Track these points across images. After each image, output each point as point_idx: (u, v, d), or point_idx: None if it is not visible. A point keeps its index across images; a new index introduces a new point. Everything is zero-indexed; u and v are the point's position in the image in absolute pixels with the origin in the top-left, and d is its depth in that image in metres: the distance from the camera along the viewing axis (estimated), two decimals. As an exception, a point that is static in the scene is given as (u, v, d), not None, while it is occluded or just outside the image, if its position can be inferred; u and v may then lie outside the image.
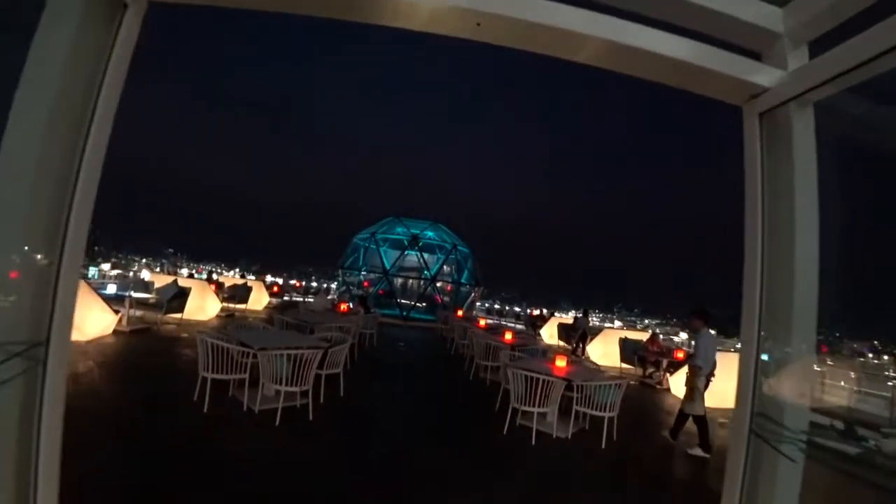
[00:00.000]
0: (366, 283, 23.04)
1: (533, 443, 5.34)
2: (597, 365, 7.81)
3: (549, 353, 8.67)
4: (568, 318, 22.31)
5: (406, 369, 9.45)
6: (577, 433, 5.78)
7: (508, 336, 9.12)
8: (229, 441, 4.47)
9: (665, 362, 10.80)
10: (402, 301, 21.07)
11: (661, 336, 12.53)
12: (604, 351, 13.29)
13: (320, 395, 5.84)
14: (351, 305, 12.60)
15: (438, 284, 22.57)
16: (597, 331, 15.77)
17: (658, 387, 10.39)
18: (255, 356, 5.09)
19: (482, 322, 12.24)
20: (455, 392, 7.93)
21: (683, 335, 26.82)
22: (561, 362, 6.26)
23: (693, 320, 6.18)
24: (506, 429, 5.61)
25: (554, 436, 5.61)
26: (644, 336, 12.95)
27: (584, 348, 14.56)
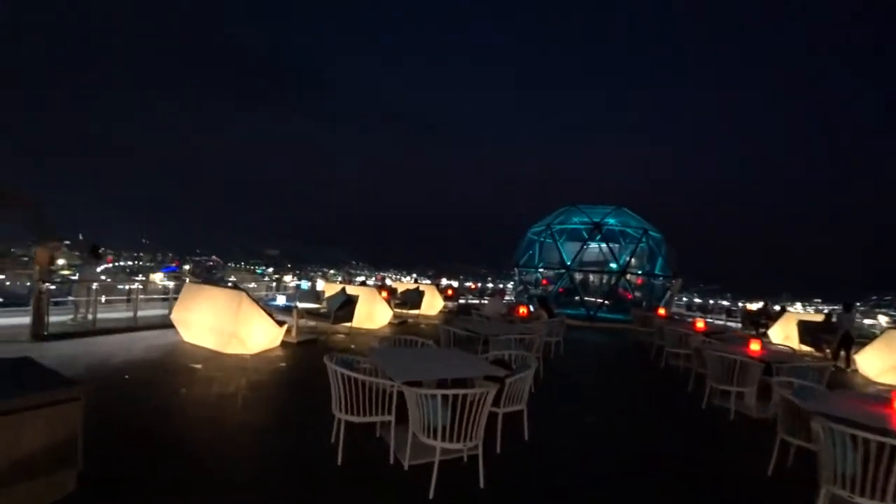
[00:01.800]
0: (544, 282, 21.06)
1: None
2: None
3: (825, 372, 5.75)
4: (801, 312, 17.63)
5: (608, 392, 7.27)
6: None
7: (755, 346, 6.39)
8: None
9: None
10: (587, 299, 18.61)
11: None
12: (893, 363, 9.33)
13: (496, 441, 4.11)
14: (531, 308, 10.77)
15: (628, 278, 19.58)
16: (862, 333, 11.55)
17: None
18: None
19: (699, 324, 9.41)
20: (688, 435, 5.51)
21: None
22: (908, 404, 3.57)
23: None
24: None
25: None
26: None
27: (848, 358, 10.64)
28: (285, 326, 8.08)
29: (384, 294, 12.32)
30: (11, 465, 2.38)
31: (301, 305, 9.15)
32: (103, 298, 9.54)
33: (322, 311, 9.60)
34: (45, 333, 7.82)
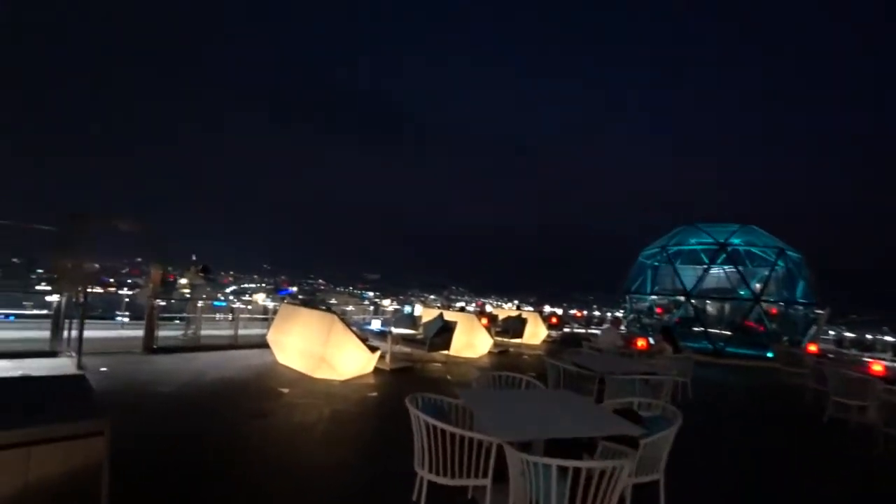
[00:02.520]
0: (659, 310, 19.05)
1: None
2: None
3: None
4: None
5: (761, 453, 5.81)
6: None
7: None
8: None
9: None
10: (711, 331, 16.44)
11: None
12: None
13: (627, 521, 3.12)
14: (651, 341, 9.30)
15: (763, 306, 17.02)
16: None
17: None
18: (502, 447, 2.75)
19: (876, 367, 7.51)
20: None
21: None
22: None
23: None
24: None
25: None
26: None
27: None
28: (378, 353, 7.59)
29: (484, 321, 11.58)
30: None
31: (396, 331, 8.68)
32: (238, 318, 9.79)
33: (418, 337, 9.06)
34: (155, 347, 8.05)
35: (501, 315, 14.42)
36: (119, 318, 10.81)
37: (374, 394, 6.51)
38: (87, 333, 6.78)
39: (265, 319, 11.17)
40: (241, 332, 9.85)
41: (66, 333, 7.45)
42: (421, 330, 9.45)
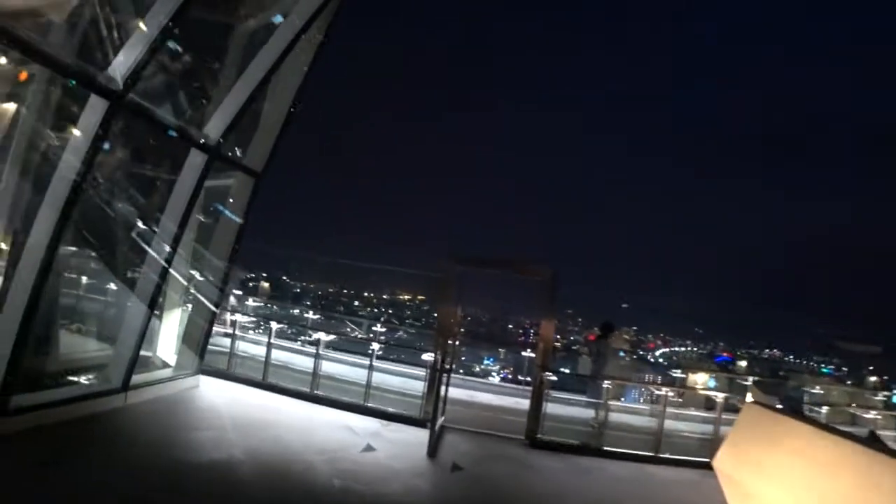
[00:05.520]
0: None
1: None
2: None
3: None
4: None
5: None
6: None
7: None
8: None
9: None
10: None
11: None
12: None
13: None
14: None
15: None
16: None
17: None
18: None
19: None
20: None
21: None
22: None
23: None
24: None
25: None
26: None
27: None
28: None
29: None
30: None
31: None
32: (665, 408, 6.38)
33: None
34: (540, 438, 5.54)
35: None
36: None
37: None
38: (477, 398, 4.90)
39: (711, 410, 6.99)
40: (670, 423, 6.29)
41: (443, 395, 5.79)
42: None
